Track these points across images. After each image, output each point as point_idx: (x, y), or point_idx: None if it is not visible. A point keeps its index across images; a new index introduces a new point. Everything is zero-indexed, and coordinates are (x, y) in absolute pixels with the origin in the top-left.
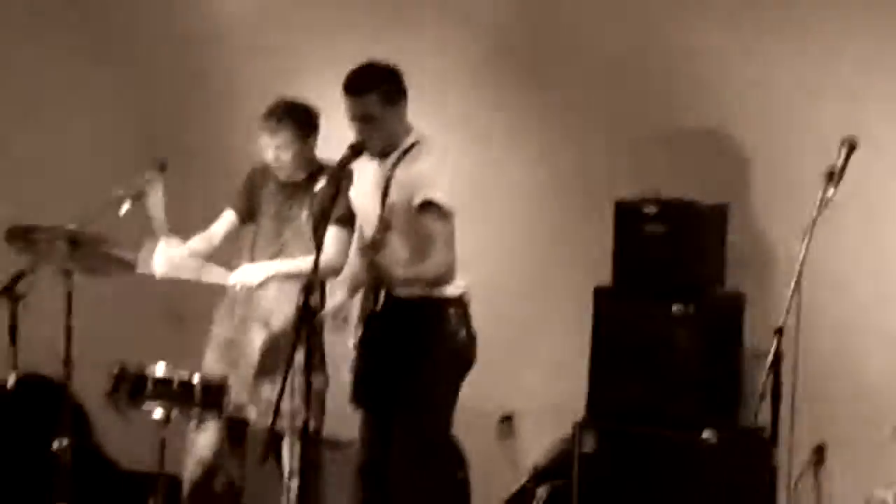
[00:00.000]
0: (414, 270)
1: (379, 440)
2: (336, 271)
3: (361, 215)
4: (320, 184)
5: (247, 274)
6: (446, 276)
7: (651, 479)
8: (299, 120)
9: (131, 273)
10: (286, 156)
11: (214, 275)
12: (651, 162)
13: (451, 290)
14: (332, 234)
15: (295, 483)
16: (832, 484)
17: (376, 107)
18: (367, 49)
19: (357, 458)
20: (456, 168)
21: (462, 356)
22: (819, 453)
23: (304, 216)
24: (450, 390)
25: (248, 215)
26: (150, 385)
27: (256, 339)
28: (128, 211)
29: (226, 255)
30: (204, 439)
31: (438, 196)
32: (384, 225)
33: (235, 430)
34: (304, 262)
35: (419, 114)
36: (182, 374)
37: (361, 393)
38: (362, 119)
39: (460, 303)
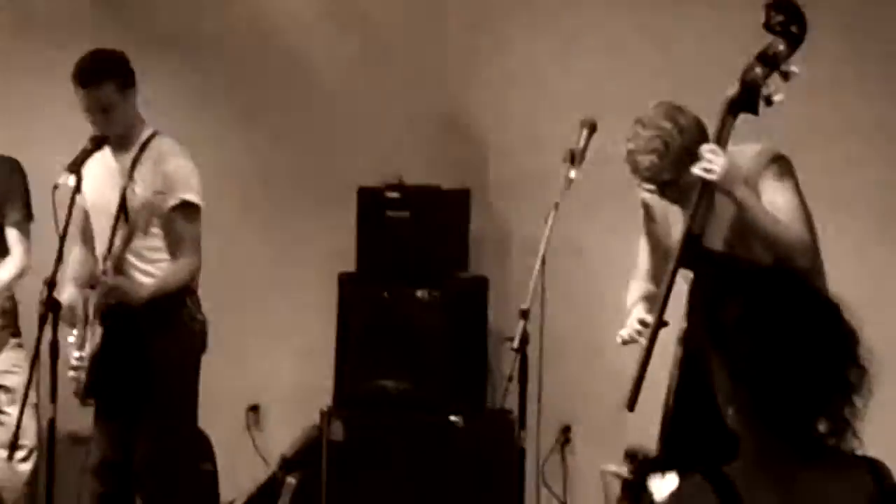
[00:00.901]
0: (162, 281)
1: (118, 436)
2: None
3: (95, 208)
4: (62, 178)
5: None
6: (195, 277)
7: (401, 465)
8: None
9: None
10: None
11: None
12: (393, 147)
13: None
14: (16, 236)
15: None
16: (578, 462)
17: (114, 95)
18: None
19: (93, 455)
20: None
21: (199, 341)
22: (565, 433)
23: None
24: (192, 377)
25: None
26: None
27: None
28: None
29: None
30: None
31: (193, 197)
32: (128, 235)
33: None
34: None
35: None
36: None
37: (100, 389)
38: (101, 110)
39: (193, 290)
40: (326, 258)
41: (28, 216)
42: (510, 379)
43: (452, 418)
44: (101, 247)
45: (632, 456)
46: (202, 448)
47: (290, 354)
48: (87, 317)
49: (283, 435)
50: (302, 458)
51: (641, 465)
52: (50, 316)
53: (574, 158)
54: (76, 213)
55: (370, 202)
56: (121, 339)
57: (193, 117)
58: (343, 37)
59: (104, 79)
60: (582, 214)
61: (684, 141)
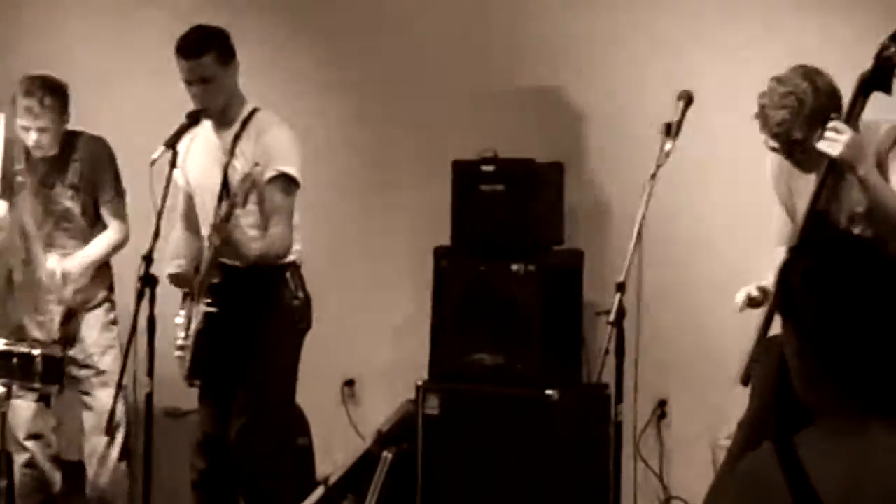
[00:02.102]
0: (264, 245)
1: (220, 413)
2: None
3: (199, 186)
4: (158, 153)
5: (67, 264)
6: (288, 249)
7: (496, 439)
8: (61, 99)
9: None
10: (47, 138)
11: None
12: (488, 121)
13: (285, 258)
14: (110, 213)
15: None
16: (673, 436)
17: (213, 68)
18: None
19: (198, 431)
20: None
21: (302, 318)
22: (661, 407)
23: (66, 192)
24: (292, 354)
25: (9, 194)
26: None
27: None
28: None
29: None
30: (24, 410)
31: (291, 170)
32: (233, 200)
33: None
34: (100, 248)
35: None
36: (21, 348)
37: (204, 368)
38: (201, 81)
39: (295, 266)
40: (421, 232)
41: (120, 193)
42: (606, 353)
43: (548, 392)
44: (204, 226)
45: None
46: (298, 423)
47: (386, 329)
48: (191, 298)
49: (379, 409)
50: (397, 433)
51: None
52: (147, 291)
53: (670, 131)
54: (181, 198)
55: (465, 176)
56: (223, 318)
57: (293, 91)
58: (440, 11)
59: (205, 50)
60: (679, 187)
61: (818, 102)
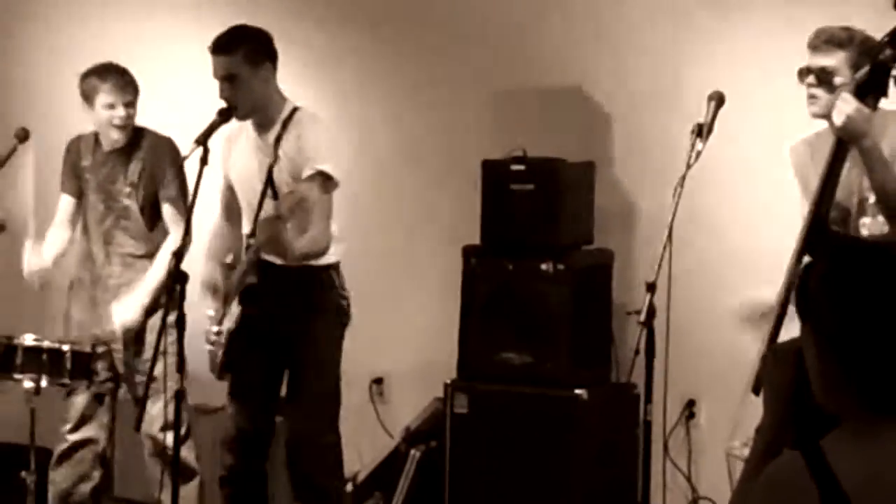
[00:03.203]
0: (306, 244)
1: (255, 410)
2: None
3: (242, 187)
4: (189, 150)
5: (124, 315)
6: (327, 247)
7: (524, 438)
8: (135, 81)
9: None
10: (133, 112)
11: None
12: (517, 120)
13: (329, 258)
14: (171, 212)
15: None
16: (702, 436)
17: (240, 66)
18: None
19: (230, 427)
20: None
21: (346, 316)
22: (690, 407)
23: (125, 189)
24: (339, 350)
25: (81, 192)
26: (19, 355)
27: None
28: None
29: None
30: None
31: (329, 168)
32: (280, 207)
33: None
34: (160, 272)
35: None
36: (51, 344)
37: (238, 364)
38: (226, 78)
39: (336, 267)
40: (451, 231)
41: (183, 192)
42: (637, 352)
43: (576, 392)
44: (247, 224)
45: None
46: None
47: (415, 327)
48: (226, 292)
49: (407, 407)
50: (426, 431)
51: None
52: (177, 287)
53: (701, 131)
54: (223, 186)
55: (495, 175)
56: (260, 318)
57: (328, 95)
58: (471, 10)
59: (234, 48)
60: (709, 187)
61: (864, 43)
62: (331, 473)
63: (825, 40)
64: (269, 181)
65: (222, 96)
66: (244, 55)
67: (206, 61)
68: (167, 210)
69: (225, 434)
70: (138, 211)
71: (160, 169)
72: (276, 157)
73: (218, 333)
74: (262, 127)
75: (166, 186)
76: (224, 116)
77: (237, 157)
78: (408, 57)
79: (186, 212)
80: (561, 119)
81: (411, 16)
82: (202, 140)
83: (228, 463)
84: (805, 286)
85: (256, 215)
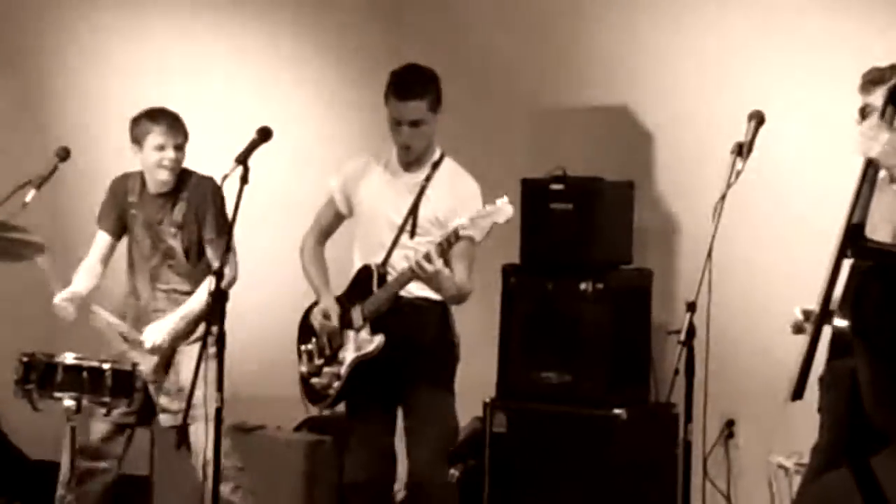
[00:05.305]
0: (459, 285)
1: (379, 431)
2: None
3: (374, 217)
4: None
5: (154, 336)
6: (468, 295)
7: (563, 457)
8: (185, 126)
9: (40, 254)
10: (182, 156)
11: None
12: (557, 139)
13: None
14: (211, 254)
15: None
16: (741, 456)
17: (426, 112)
18: None
19: (357, 448)
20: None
21: (458, 353)
22: (729, 426)
23: (170, 230)
24: (453, 385)
25: (120, 231)
26: (59, 373)
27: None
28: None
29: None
30: (98, 428)
31: (477, 236)
32: (439, 245)
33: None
34: (196, 301)
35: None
36: (91, 362)
37: (361, 391)
38: (413, 124)
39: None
40: (490, 250)
41: (222, 232)
42: (676, 372)
43: (616, 411)
44: (375, 254)
45: None
46: None
47: None
48: (341, 325)
49: None
50: (465, 450)
51: None
52: (217, 307)
53: (742, 151)
54: (327, 212)
55: (534, 194)
56: (387, 349)
57: (368, 115)
58: (510, 29)
59: (422, 94)
60: (750, 207)
61: None
62: (445, 486)
63: (868, 80)
64: (414, 218)
65: (403, 140)
66: (430, 102)
67: (236, 73)
68: (209, 252)
69: (352, 453)
70: (182, 252)
71: (201, 211)
72: (420, 197)
73: (330, 363)
74: (409, 164)
75: (206, 228)
76: (264, 135)
77: (371, 184)
78: (450, 78)
79: (228, 232)
80: (601, 138)
81: (453, 37)
82: (242, 159)
83: (360, 479)
84: (859, 303)
85: (392, 247)
